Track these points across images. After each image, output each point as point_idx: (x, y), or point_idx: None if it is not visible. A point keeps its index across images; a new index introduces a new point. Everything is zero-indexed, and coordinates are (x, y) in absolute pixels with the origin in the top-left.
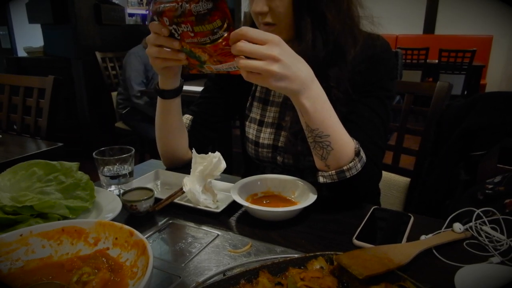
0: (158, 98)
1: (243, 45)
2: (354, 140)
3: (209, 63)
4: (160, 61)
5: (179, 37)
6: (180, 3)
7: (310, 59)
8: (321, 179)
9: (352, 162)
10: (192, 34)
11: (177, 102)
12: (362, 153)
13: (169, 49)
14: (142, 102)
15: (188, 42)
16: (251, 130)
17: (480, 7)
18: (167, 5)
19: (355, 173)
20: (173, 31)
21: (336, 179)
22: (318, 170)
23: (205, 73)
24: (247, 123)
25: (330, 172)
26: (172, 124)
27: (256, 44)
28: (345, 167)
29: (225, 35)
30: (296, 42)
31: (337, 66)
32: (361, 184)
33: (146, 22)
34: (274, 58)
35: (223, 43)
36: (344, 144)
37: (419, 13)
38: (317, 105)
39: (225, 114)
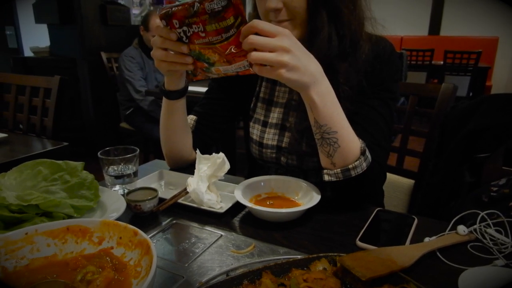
0: (164, 99)
1: (254, 37)
2: (360, 140)
3: (218, 64)
4: (166, 64)
5: (187, 40)
6: (192, 4)
7: (324, 54)
8: (326, 177)
9: (358, 161)
10: (203, 34)
11: (182, 102)
12: (368, 153)
13: (175, 53)
14: (147, 103)
15: (198, 44)
16: (255, 131)
17: (485, 9)
18: (178, 7)
19: (360, 172)
20: (181, 34)
21: (341, 178)
22: (323, 169)
23: (211, 77)
24: (251, 124)
25: (335, 170)
26: (177, 124)
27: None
28: (350, 166)
29: (237, 31)
30: (309, 39)
31: (347, 61)
32: (365, 184)
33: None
34: (285, 49)
35: (235, 42)
36: (350, 141)
37: (425, 14)
38: (327, 101)
39: (229, 115)
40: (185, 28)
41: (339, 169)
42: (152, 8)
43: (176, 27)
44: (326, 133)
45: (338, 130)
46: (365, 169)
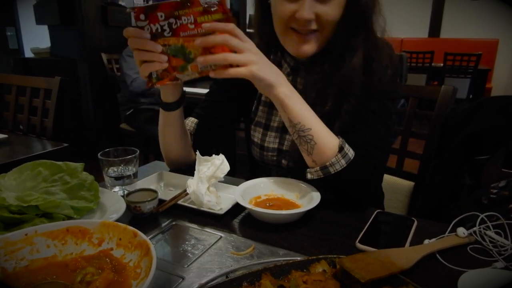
0: (161, 111)
1: (227, 54)
2: (340, 138)
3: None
4: (146, 66)
5: (170, 33)
6: None
7: (352, 75)
8: (308, 176)
9: (335, 158)
10: (192, 26)
11: (179, 112)
12: (347, 150)
13: (149, 51)
14: (139, 84)
15: (183, 36)
16: (256, 134)
17: (486, 11)
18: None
19: (340, 169)
20: (165, 26)
21: (321, 175)
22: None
23: (176, 82)
24: (252, 126)
25: (316, 168)
26: (176, 133)
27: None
28: (328, 163)
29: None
30: (327, 58)
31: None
32: (353, 182)
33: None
34: (251, 50)
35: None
36: (326, 138)
37: (425, 16)
38: (294, 100)
39: (230, 117)
40: (172, 20)
41: (318, 167)
42: None
43: (160, 20)
44: (301, 131)
45: (312, 127)
46: (344, 166)
